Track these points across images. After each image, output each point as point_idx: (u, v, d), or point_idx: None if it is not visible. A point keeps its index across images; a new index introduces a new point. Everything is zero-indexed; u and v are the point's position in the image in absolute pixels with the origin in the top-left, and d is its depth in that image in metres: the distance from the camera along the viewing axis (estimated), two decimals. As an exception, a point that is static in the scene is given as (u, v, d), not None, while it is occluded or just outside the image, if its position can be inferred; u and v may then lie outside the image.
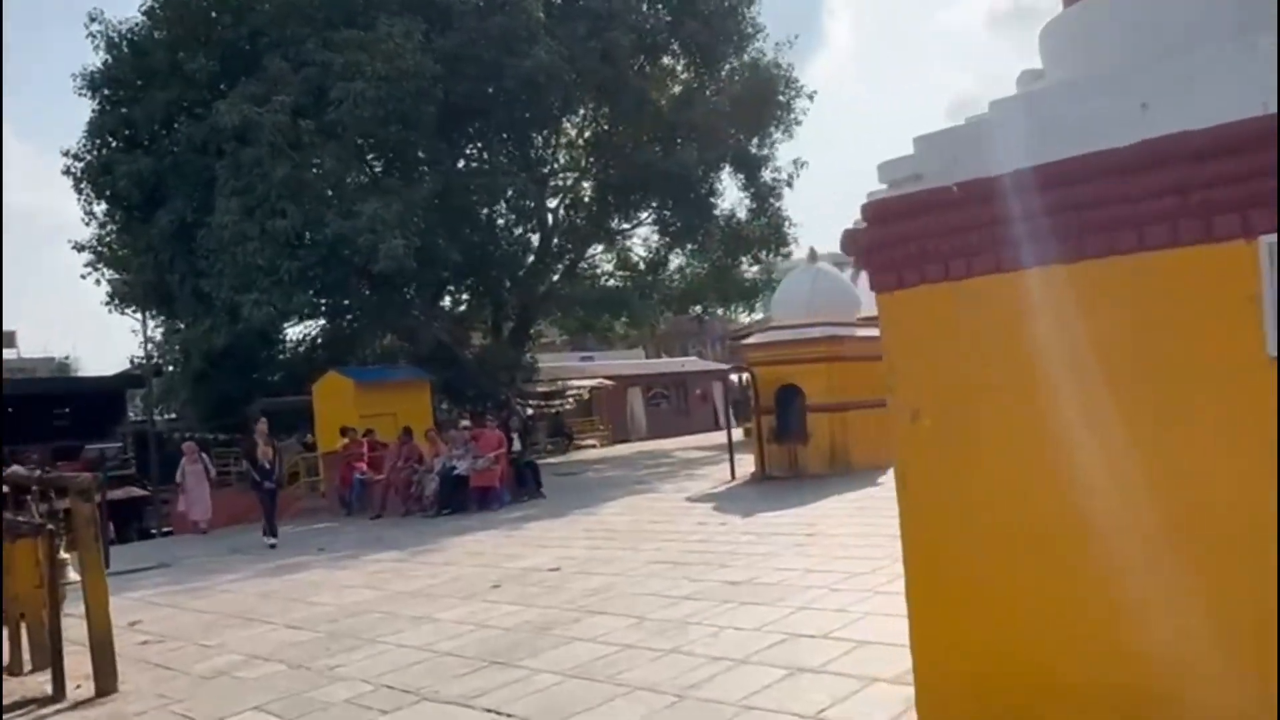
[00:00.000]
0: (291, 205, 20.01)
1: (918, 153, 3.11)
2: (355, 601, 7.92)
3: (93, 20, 23.63)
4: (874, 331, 13.90)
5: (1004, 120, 2.96)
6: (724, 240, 27.63)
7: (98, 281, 27.07)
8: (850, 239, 3.26)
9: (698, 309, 30.46)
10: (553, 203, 28.88)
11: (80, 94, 24.04)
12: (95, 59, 24.12)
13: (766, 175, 27.42)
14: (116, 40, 23.85)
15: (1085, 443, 2.73)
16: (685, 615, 6.20)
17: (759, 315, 28.66)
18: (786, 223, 27.63)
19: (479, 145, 26.14)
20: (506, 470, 14.92)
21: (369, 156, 24.20)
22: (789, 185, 27.32)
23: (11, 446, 15.95)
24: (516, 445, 15.37)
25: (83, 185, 24.32)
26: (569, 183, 30.04)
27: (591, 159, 29.52)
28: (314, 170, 21.19)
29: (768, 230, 27.45)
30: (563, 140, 29.71)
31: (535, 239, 28.25)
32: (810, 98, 27.53)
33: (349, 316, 26.18)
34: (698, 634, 5.71)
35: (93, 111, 24.20)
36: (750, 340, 16.08)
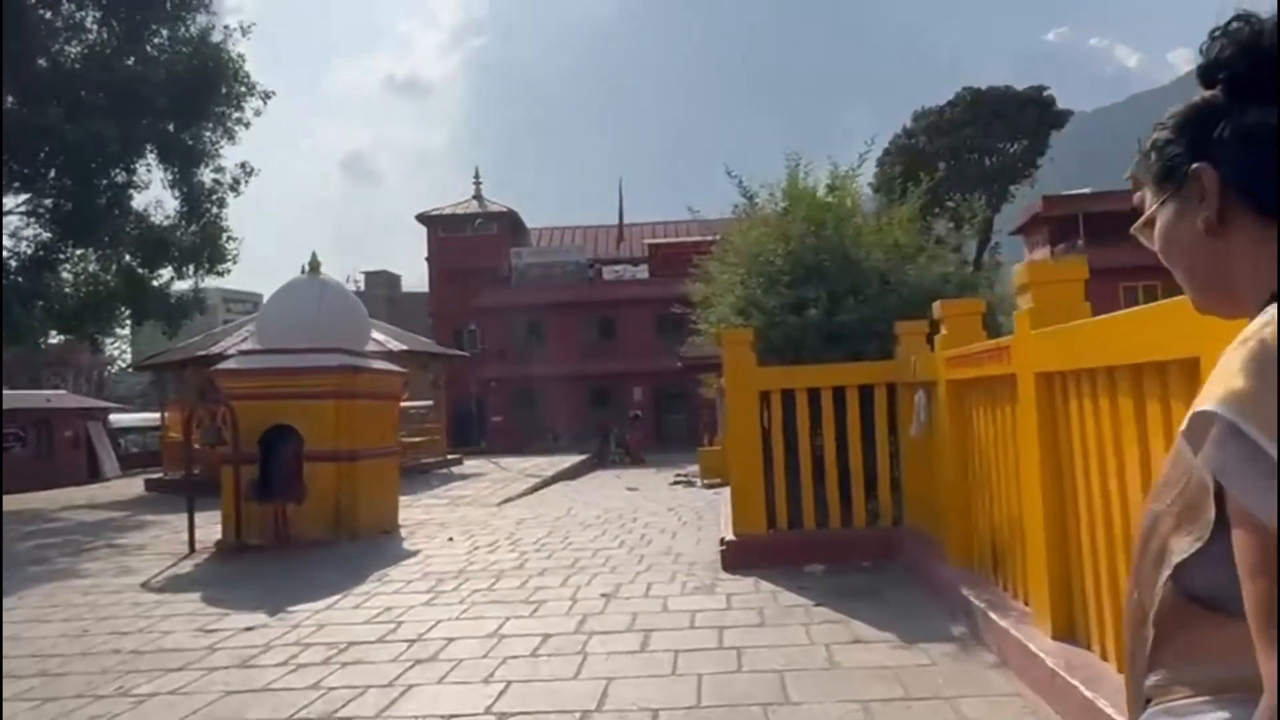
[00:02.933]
0: None
1: None
2: None
3: None
4: (388, 365, 11.04)
5: None
6: (140, 244, 22.04)
7: None
8: None
9: (90, 330, 23.84)
10: None
11: None
12: None
13: (205, 175, 22.68)
14: None
15: None
16: None
17: (196, 338, 23.28)
18: (225, 235, 23.14)
19: None
20: None
21: None
22: (234, 190, 22.92)
23: None
24: None
25: None
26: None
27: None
28: None
29: (201, 240, 22.60)
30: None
31: None
32: (265, 98, 23.60)
33: None
34: None
35: None
36: (229, 365, 12.15)
